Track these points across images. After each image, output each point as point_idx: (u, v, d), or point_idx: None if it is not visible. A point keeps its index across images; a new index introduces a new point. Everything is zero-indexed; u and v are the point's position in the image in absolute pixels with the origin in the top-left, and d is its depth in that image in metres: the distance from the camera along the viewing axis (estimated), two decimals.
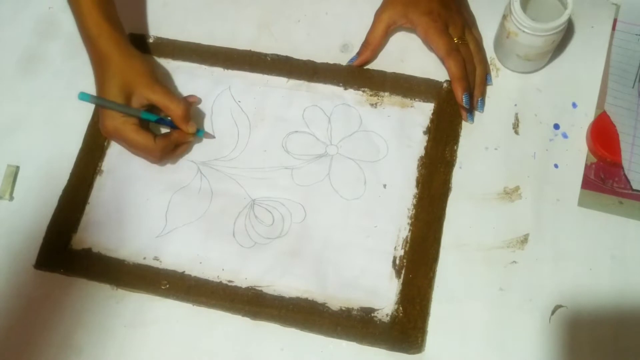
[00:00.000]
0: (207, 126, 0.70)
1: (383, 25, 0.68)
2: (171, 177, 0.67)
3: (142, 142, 0.64)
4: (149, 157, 0.66)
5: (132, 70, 0.63)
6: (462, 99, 0.65)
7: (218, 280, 0.63)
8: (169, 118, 0.65)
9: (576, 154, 0.65)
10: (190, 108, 0.66)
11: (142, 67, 0.64)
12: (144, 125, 0.65)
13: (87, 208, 0.67)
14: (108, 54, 0.63)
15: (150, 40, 0.74)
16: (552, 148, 0.65)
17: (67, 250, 0.66)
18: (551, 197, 0.63)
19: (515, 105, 0.67)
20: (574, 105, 0.67)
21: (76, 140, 0.70)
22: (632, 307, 0.59)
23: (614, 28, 0.69)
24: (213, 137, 0.68)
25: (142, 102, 0.64)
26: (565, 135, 0.66)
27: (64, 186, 0.68)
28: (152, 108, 0.65)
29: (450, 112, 0.67)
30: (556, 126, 0.66)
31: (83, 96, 0.61)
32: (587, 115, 0.66)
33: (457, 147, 0.66)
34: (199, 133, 0.67)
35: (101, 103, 0.62)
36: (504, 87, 0.68)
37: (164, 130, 0.69)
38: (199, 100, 0.70)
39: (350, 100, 0.69)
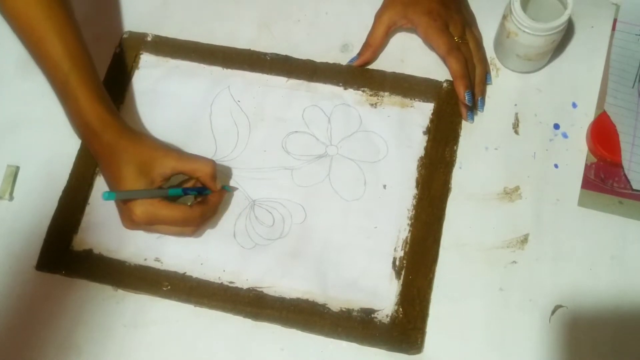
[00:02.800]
0: (206, 127, 0.69)
1: (383, 26, 0.68)
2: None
3: (180, 215, 0.60)
4: (185, 230, 0.62)
5: (145, 149, 0.60)
6: (465, 96, 0.65)
7: (219, 282, 0.63)
8: (191, 187, 0.63)
9: (576, 154, 0.65)
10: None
11: (153, 142, 0.62)
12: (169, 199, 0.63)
13: (88, 209, 0.67)
14: (115, 144, 0.60)
15: (149, 39, 0.74)
16: (552, 148, 0.65)
17: (68, 252, 0.66)
18: (551, 197, 0.64)
19: (515, 105, 0.67)
20: (574, 105, 0.67)
21: (76, 140, 0.69)
22: (632, 307, 0.60)
23: (614, 28, 0.69)
24: (236, 188, 0.67)
25: (165, 174, 0.61)
26: (565, 135, 0.66)
27: (64, 186, 0.68)
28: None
29: (450, 112, 0.67)
30: (556, 126, 0.66)
31: (109, 196, 0.58)
32: (587, 115, 0.66)
33: (457, 147, 0.66)
34: (227, 188, 0.66)
35: (129, 196, 0.59)
36: (504, 87, 0.68)
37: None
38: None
39: (350, 100, 0.69)
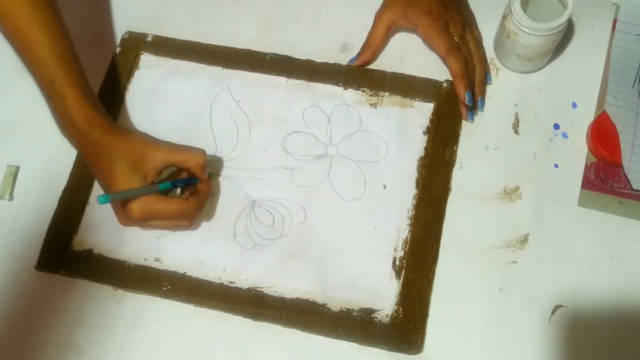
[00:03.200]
0: (206, 127, 0.69)
1: (383, 26, 0.68)
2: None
3: (177, 208, 0.60)
4: (182, 223, 0.63)
5: (134, 145, 0.60)
6: (465, 96, 0.65)
7: (219, 282, 0.63)
8: (181, 178, 0.63)
9: (576, 154, 0.65)
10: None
11: (141, 137, 0.62)
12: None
13: (88, 209, 0.67)
14: (103, 142, 0.60)
15: (149, 39, 0.74)
16: (552, 148, 0.65)
17: (68, 252, 0.66)
18: (551, 197, 0.64)
19: (515, 105, 0.67)
20: (574, 105, 0.67)
21: None
22: (632, 307, 0.60)
23: (614, 28, 0.69)
24: (219, 174, 0.68)
25: (157, 168, 0.60)
26: (565, 135, 0.66)
27: (64, 186, 0.68)
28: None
29: (450, 112, 0.67)
30: (556, 126, 0.66)
31: (105, 199, 0.57)
32: (587, 115, 0.66)
33: (457, 147, 0.66)
34: (212, 175, 0.66)
35: (123, 196, 0.59)
36: (504, 87, 0.68)
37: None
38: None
39: (349, 100, 0.69)
